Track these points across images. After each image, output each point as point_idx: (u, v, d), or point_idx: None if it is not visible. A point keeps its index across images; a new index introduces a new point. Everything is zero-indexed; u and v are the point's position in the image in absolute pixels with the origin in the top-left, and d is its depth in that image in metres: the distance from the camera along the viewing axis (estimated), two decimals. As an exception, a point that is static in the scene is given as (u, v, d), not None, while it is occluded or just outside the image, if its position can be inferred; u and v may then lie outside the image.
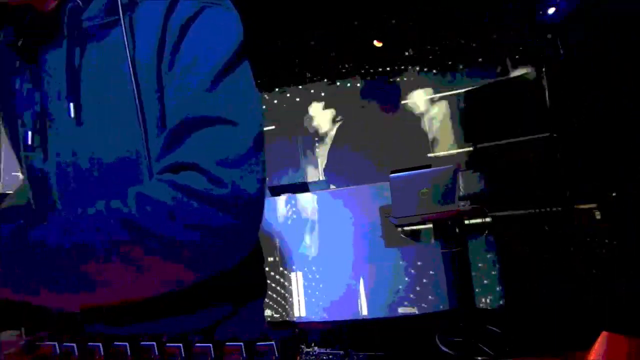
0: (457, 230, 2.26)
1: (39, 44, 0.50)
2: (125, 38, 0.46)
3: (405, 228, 2.66)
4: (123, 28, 0.46)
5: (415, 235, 2.70)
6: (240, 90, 0.49)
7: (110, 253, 0.39)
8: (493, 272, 2.64)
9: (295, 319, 2.80)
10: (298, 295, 2.81)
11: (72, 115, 0.47)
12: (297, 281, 2.83)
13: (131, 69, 0.46)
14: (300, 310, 2.80)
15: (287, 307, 2.82)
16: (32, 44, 0.50)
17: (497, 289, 2.63)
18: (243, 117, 0.46)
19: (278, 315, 2.83)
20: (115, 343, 0.36)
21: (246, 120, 0.46)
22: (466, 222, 2.34)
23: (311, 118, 4.24)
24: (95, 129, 0.48)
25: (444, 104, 3.88)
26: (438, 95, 3.93)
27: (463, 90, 3.49)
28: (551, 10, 2.62)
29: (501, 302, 2.60)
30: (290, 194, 2.91)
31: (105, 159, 0.48)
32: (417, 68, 3.95)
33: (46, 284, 0.40)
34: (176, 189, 0.42)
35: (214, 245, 0.43)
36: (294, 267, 2.84)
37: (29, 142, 0.50)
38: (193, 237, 0.41)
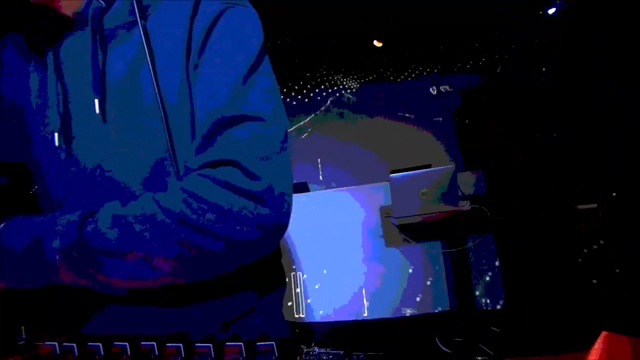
0: (457, 230, 2.25)
1: (54, 36, 0.50)
2: (143, 39, 0.47)
3: (405, 228, 2.66)
4: (140, 30, 0.47)
5: (415, 236, 2.70)
6: (266, 86, 0.50)
7: (166, 250, 0.41)
8: (493, 272, 2.63)
9: (295, 319, 2.80)
10: (298, 296, 2.81)
11: (98, 111, 0.48)
12: (297, 281, 2.83)
13: (151, 69, 0.47)
14: (300, 310, 2.80)
15: (287, 307, 2.82)
16: (46, 36, 0.50)
17: (497, 289, 2.63)
18: (271, 113, 0.48)
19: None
20: (115, 343, 0.36)
21: (274, 115, 0.48)
22: (466, 222, 2.34)
23: (311, 117, 4.23)
24: (120, 126, 0.48)
25: (443, 104, 3.88)
26: (438, 95, 3.93)
27: (463, 90, 3.49)
28: (551, 11, 2.62)
29: (501, 302, 2.60)
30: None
31: (132, 157, 0.48)
32: (417, 68, 3.95)
33: (102, 272, 0.42)
34: (216, 183, 0.43)
35: (255, 237, 0.44)
36: (294, 267, 2.84)
37: (56, 144, 0.50)
38: (251, 235, 0.43)
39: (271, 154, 0.46)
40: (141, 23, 0.47)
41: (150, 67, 0.47)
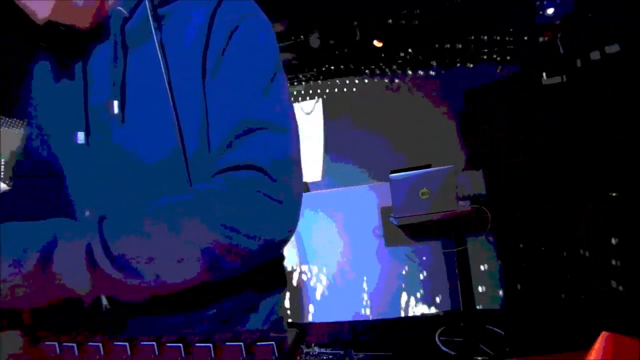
0: (457, 230, 2.26)
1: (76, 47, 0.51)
2: (158, 49, 0.48)
3: (405, 228, 2.66)
4: (155, 39, 0.48)
5: (415, 236, 2.70)
6: (283, 94, 0.52)
7: (198, 252, 0.42)
8: (493, 272, 2.64)
9: (295, 319, 2.80)
10: (299, 296, 2.82)
11: (116, 111, 0.48)
12: (298, 281, 2.83)
13: (165, 78, 0.48)
14: (301, 310, 2.80)
15: (287, 307, 2.82)
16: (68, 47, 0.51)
17: (497, 289, 2.63)
18: (288, 120, 0.50)
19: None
20: (115, 343, 0.36)
21: (291, 122, 0.51)
22: (466, 222, 2.34)
23: (310, 117, 4.23)
24: (137, 129, 0.49)
25: (443, 104, 3.88)
26: (438, 95, 3.93)
27: (463, 90, 3.49)
28: (550, 11, 2.62)
29: (501, 302, 2.60)
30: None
31: (147, 159, 0.49)
32: (417, 68, 3.95)
33: (129, 277, 0.41)
34: (243, 186, 0.45)
35: (278, 237, 0.47)
36: (294, 267, 2.84)
37: (79, 142, 0.50)
38: (275, 236, 0.46)
39: (289, 159, 0.49)
40: (156, 35, 0.48)
41: (165, 76, 0.48)
